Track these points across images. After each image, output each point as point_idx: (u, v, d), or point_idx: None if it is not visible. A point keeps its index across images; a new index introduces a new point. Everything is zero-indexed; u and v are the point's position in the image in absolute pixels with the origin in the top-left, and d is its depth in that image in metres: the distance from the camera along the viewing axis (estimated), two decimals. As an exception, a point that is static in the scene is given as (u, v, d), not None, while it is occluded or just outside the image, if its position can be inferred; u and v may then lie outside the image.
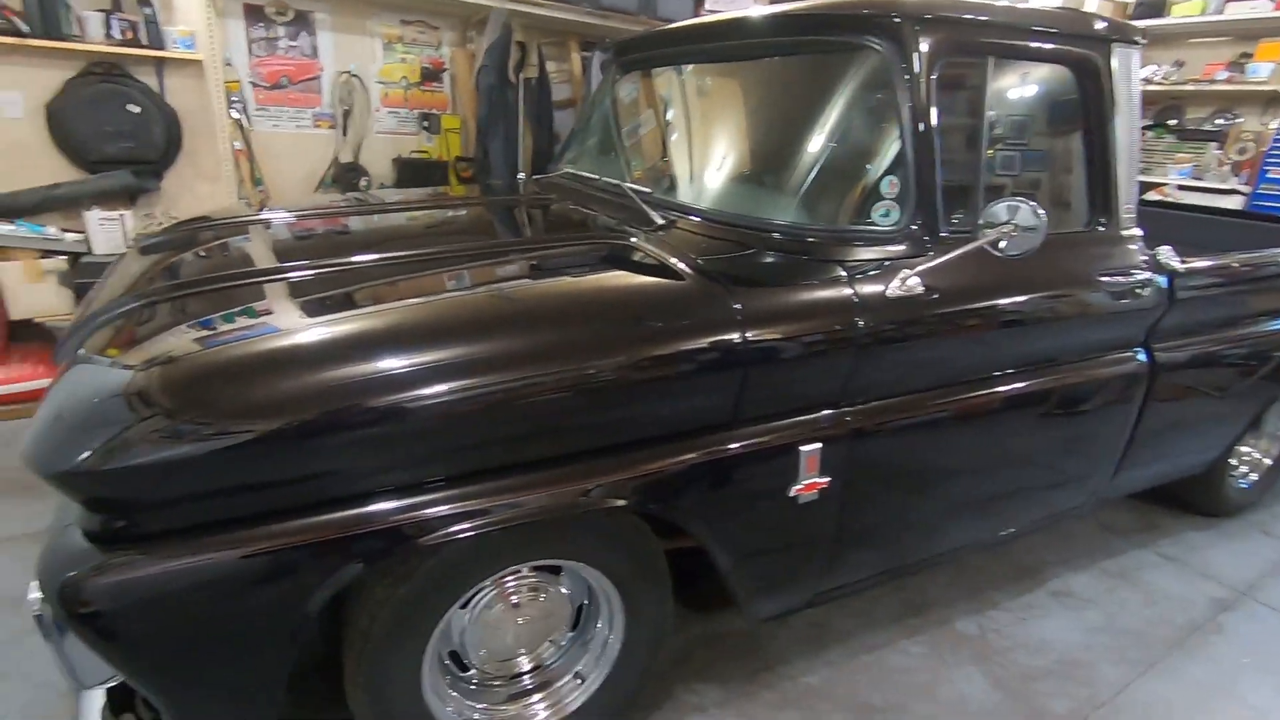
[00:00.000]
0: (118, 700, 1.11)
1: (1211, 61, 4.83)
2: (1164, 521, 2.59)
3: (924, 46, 1.44)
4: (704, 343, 1.23)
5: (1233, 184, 4.81)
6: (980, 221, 1.43)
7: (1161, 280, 1.83)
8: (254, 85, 3.31)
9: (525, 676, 1.42)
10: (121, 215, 2.95)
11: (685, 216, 1.64)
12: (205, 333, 1.14)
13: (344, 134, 3.54)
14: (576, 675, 1.44)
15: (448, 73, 3.75)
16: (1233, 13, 4.52)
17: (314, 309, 1.23)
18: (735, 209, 1.63)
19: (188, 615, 1.00)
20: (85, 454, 0.94)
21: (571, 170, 2.25)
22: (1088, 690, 1.80)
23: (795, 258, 1.47)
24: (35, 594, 1.00)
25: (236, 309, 1.22)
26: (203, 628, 1.01)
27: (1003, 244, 1.41)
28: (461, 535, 1.11)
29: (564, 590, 1.41)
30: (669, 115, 1.99)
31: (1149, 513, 2.64)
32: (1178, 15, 4.86)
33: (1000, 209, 1.40)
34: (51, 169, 2.97)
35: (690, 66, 1.95)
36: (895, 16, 1.44)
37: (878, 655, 1.86)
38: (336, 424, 1.02)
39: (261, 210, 1.98)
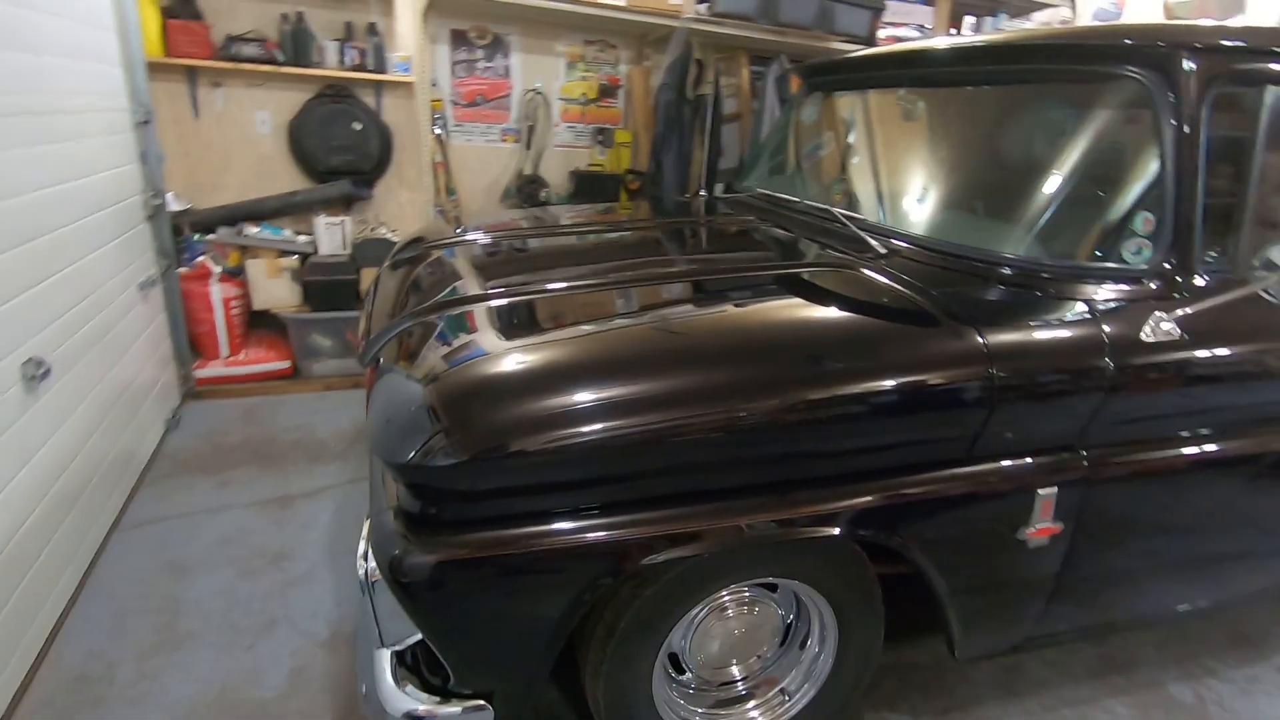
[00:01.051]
0: (407, 661, 1.27)
1: None
2: None
3: (1192, 77, 1.36)
4: (952, 380, 1.24)
5: None
6: (1257, 264, 1.33)
7: None
8: (454, 104, 3.62)
9: (738, 684, 1.49)
10: (343, 220, 3.32)
11: (902, 244, 1.64)
12: (463, 353, 1.27)
13: (527, 147, 3.78)
14: (783, 691, 1.49)
15: (622, 89, 3.91)
16: None
17: (557, 333, 1.34)
18: (959, 239, 1.60)
19: (479, 593, 1.13)
20: (411, 453, 1.09)
21: (765, 191, 2.30)
22: (1334, 782, 1.62)
23: (1030, 293, 1.43)
24: (366, 563, 1.17)
25: (488, 329, 1.36)
26: (488, 605, 1.15)
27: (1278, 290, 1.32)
28: (704, 551, 1.19)
29: (777, 607, 1.46)
30: (885, 140, 1.99)
31: (1398, 588, 2.31)
32: None
33: (1282, 252, 1.30)
34: (289, 178, 3.40)
35: (906, 90, 1.94)
36: (1162, 45, 1.37)
37: (1080, 711, 1.77)
38: (581, 448, 1.10)
39: (466, 229, 2.16)
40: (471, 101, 3.65)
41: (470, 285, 1.64)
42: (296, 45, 3.10)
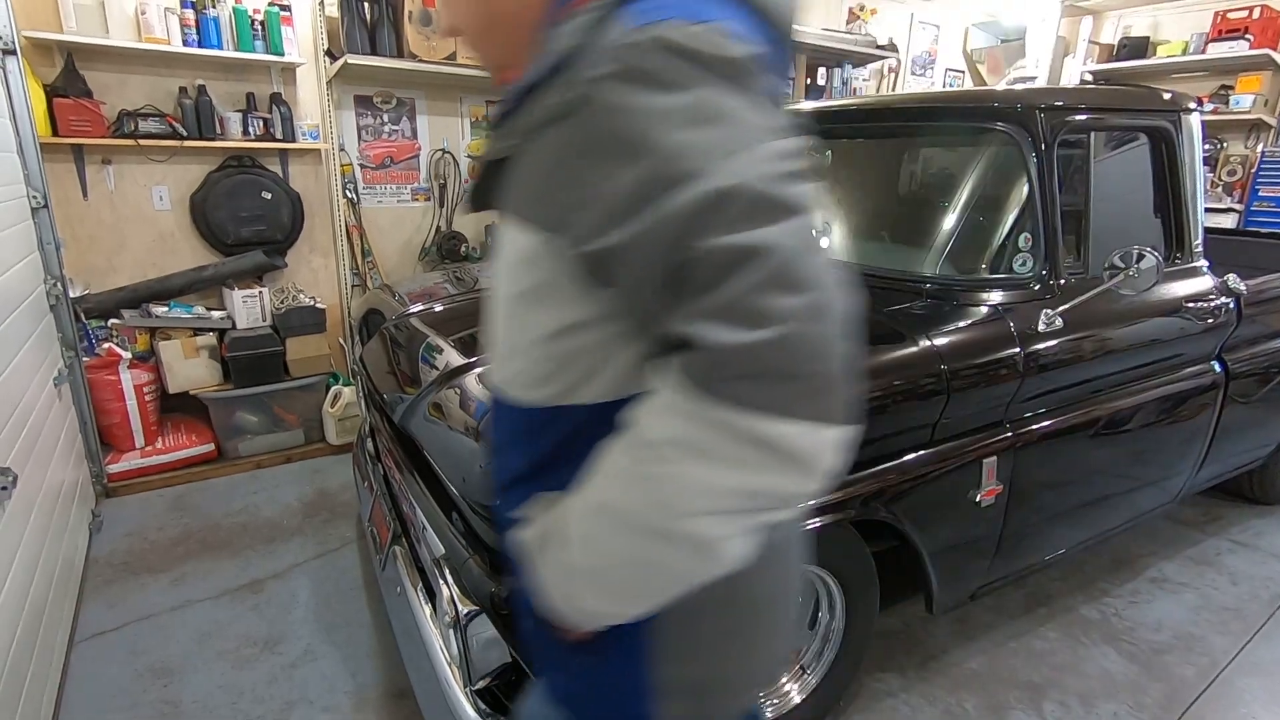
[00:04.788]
0: (486, 698, 1.35)
1: (1196, 94, 5.32)
2: (1227, 513, 2.90)
3: (1044, 129, 1.78)
4: (921, 379, 1.53)
5: (1227, 204, 5.28)
6: (1106, 266, 1.76)
7: (1230, 302, 2.17)
8: (362, 167, 3.64)
9: (768, 667, 1.68)
10: (260, 292, 3.22)
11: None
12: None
13: (440, 205, 3.86)
14: (804, 664, 1.70)
15: (525, 144, 4.10)
16: (1214, 52, 5.02)
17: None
18: (886, 264, 1.94)
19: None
20: (496, 500, 1.21)
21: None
22: (1208, 658, 2.07)
23: (949, 303, 1.78)
24: (456, 607, 1.25)
25: None
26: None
27: (1124, 285, 1.74)
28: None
29: (790, 593, 1.68)
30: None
31: (1213, 506, 2.94)
32: (1163, 55, 5.38)
33: (1122, 256, 1.73)
34: (192, 254, 3.26)
35: (834, 141, 2.29)
36: (1021, 106, 1.79)
37: (1022, 641, 2.13)
38: None
39: (430, 295, 2.27)
40: (380, 164, 3.68)
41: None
42: (200, 118, 3.02)
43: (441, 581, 1.31)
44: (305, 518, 2.78)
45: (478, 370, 1.59)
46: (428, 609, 1.50)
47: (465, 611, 1.24)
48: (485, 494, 1.22)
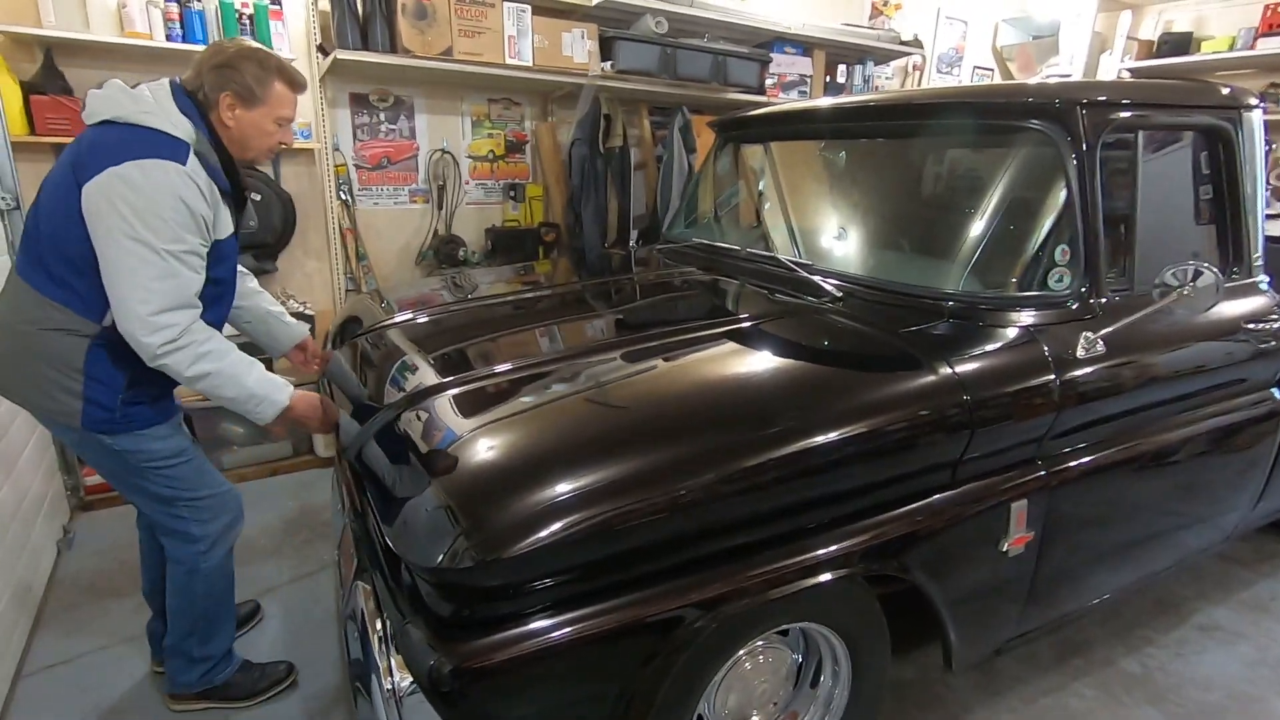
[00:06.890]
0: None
1: (1246, 93, 4.99)
2: (1282, 550, 2.64)
3: (1085, 127, 1.57)
4: (939, 413, 1.34)
5: (1277, 209, 4.95)
6: (1157, 284, 1.54)
7: (1295, 322, 1.93)
8: (358, 167, 3.50)
9: (763, 734, 1.49)
10: (248, 297, 3.09)
11: (852, 286, 1.76)
12: (473, 442, 1.22)
13: (439, 207, 3.71)
14: (806, 731, 1.51)
15: (529, 144, 3.94)
16: (1263, 47, 4.71)
17: (560, 408, 1.33)
18: (904, 279, 1.74)
19: (527, 690, 1.08)
20: (440, 558, 1.04)
21: (703, 240, 2.39)
22: (1266, 725, 1.84)
23: (974, 324, 1.57)
24: (394, 677, 1.08)
25: (485, 413, 1.32)
26: (538, 701, 1.10)
27: (1178, 305, 1.53)
28: (736, 610, 1.20)
29: (788, 651, 1.48)
30: (827, 189, 2.12)
31: (1265, 544, 2.68)
32: (1208, 51, 5.06)
33: (1175, 273, 1.51)
34: (180, 257, 3.14)
35: (845, 142, 2.08)
36: (1058, 101, 1.58)
37: (1055, 699, 1.91)
38: (609, 526, 1.09)
39: (412, 303, 2.11)
40: (377, 164, 3.54)
41: (454, 365, 1.59)
42: (184, 117, 2.90)
43: (379, 647, 1.14)
44: (285, 537, 2.63)
45: (452, 392, 1.43)
46: (384, 660, 1.33)
47: (403, 686, 1.07)
48: (425, 554, 1.05)
